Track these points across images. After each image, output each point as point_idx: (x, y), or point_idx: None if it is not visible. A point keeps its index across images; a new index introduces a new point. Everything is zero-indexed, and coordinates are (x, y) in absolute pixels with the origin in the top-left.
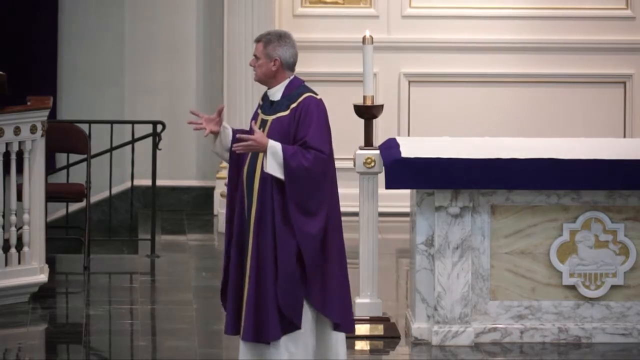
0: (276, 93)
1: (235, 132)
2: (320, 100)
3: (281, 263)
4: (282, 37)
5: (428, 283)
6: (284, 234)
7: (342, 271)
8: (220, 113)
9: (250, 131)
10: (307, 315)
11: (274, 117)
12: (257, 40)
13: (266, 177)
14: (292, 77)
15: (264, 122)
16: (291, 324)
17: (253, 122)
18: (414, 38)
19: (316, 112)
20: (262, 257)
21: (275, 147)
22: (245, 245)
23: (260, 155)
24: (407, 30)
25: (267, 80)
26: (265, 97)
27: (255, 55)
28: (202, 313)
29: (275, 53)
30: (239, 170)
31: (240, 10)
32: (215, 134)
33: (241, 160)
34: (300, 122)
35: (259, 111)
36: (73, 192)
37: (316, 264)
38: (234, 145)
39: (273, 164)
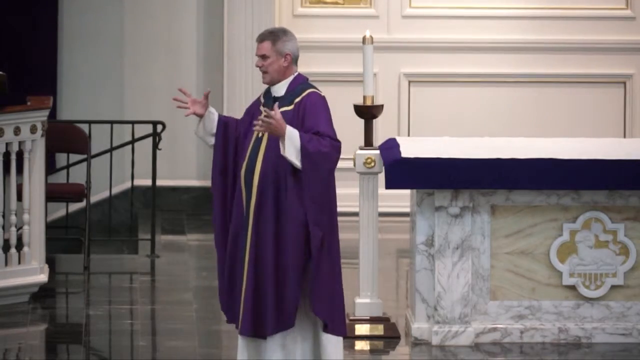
0: (280, 89)
1: (222, 118)
2: (324, 97)
3: (294, 258)
4: (286, 32)
5: (428, 283)
6: (288, 229)
7: (337, 271)
8: (206, 97)
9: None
10: (307, 314)
11: None
12: (262, 40)
13: (266, 174)
14: (296, 74)
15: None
16: (286, 321)
17: (266, 108)
18: (414, 38)
19: (321, 105)
20: (260, 252)
21: (292, 132)
22: (242, 241)
23: (261, 151)
24: (407, 30)
25: (279, 77)
26: (267, 93)
27: (263, 55)
28: (202, 313)
29: (285, 48)
30: (227, 160)
31: (240, 10)
32: (199, 116)
33: (229, 154)
34: (307, 114)
35: (261, 108)
36: (73, 192)
37: (319, 256)
38: (254, 122)
39: (290, 148)
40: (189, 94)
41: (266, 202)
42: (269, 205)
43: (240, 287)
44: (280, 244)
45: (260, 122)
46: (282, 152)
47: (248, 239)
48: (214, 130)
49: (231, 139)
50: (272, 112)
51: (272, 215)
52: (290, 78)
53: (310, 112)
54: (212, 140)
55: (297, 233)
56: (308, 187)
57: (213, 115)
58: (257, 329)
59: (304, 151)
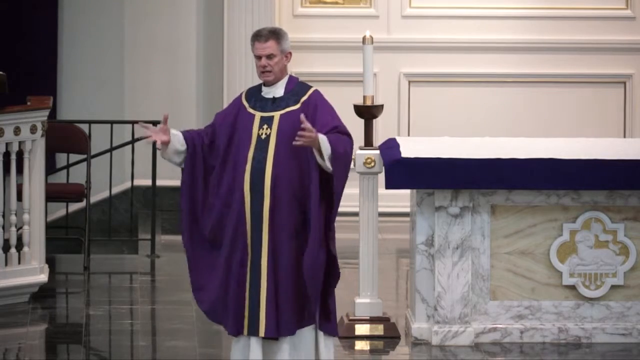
0: (277, 90)
1: (186, 133)
2: None
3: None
4: (284, 31)
5: (428, 283)
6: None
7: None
8: (165, 121)
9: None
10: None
11: (282, 112)
12: (267, 39)
13: (278, 177)
14: (289, 73)
15: (266, 119)
16: (310, 319)
17: (303, 115)
18: (414, 38)
19: (328, 102)
20: (278, 254)
21: (322, 137)
22: (246, 242)
23: (270, 153)
24: (407, 30)
25: (280, 77)
26: (254, 95)
27: (270, 55)
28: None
29: (287, 46)
30: (194, 171)
31: (240, 11)
32: (166, 143)
33: (197, 169)
34: (320, 112)
35: (251, 110)
36: (73, 192)
37: (333, 256)
38: (298, 138)
39: (325, 154)
40: (149, 127)
41: (282, 208)
42: (285, 211)
43: (243, 291)
44: (298, 245)
45: (303, 139)
46: (319, 161)
47: (264, 245)
48: (184, 147)
49: (199, 154)
50: (309, 127)
51: (288, 222)
52: (286, 78)
53: (322, 110)
54: (179, 159)
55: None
56: (338, 184)
57: (177, 135)
58: (279, 330)
59: (336, 153)
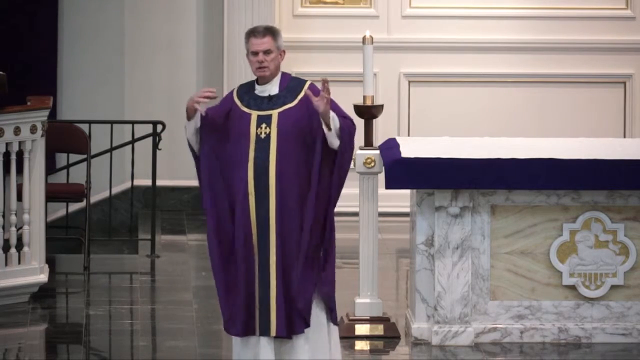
0: (273, 87)
1: (208, 113)
2: None
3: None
4: (278, 29)
5: (428, 283)
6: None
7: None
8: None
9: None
10: (323, 310)
11: (279, 110)
12: (263, 35)
13: (283, 175)
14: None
15: (263, 117)
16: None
17: (326, 83)
18: (414, 38)
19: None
20: (287, 252)
21: (332, 112)
22: (252, 243)
23: (272, 151)
24: (407, 30)
25: (275, 73)
26: (246, 93)
27: (267, 51)
28: (202, 313)
29: (282, 44)
30: (212, 167)
31: (240, 11)
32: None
33: (235, 157)
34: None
35: (245, 109)
36: (73, 192)
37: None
38: (319, 98)
39: (333, 128)
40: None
41: (288, 205)
42: (292, 209)
43: (252, 291)
44: (302, 245)
45: (324, 99)
46: (327, 134)
47: (272, 244)
48: (198, 125)
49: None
50: (322, 93)
51: (296, 222)
52: (279, 75)
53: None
54: (196, 144)
55: (317, 235)
56: (341, 164)
57: (198, 112)
58: (290, 329)
59: (342, 129)
